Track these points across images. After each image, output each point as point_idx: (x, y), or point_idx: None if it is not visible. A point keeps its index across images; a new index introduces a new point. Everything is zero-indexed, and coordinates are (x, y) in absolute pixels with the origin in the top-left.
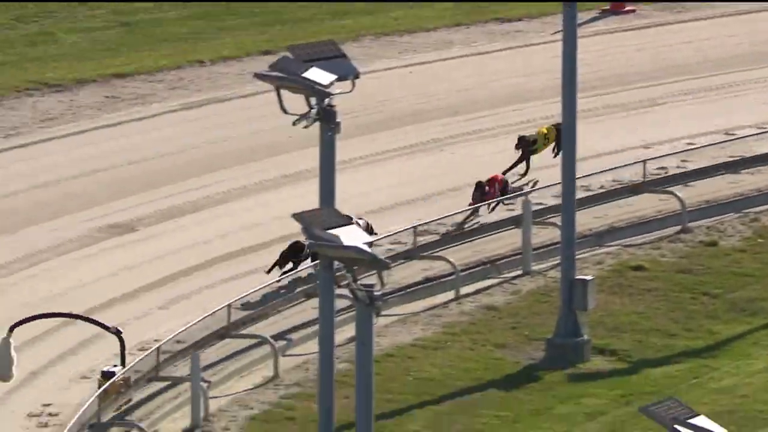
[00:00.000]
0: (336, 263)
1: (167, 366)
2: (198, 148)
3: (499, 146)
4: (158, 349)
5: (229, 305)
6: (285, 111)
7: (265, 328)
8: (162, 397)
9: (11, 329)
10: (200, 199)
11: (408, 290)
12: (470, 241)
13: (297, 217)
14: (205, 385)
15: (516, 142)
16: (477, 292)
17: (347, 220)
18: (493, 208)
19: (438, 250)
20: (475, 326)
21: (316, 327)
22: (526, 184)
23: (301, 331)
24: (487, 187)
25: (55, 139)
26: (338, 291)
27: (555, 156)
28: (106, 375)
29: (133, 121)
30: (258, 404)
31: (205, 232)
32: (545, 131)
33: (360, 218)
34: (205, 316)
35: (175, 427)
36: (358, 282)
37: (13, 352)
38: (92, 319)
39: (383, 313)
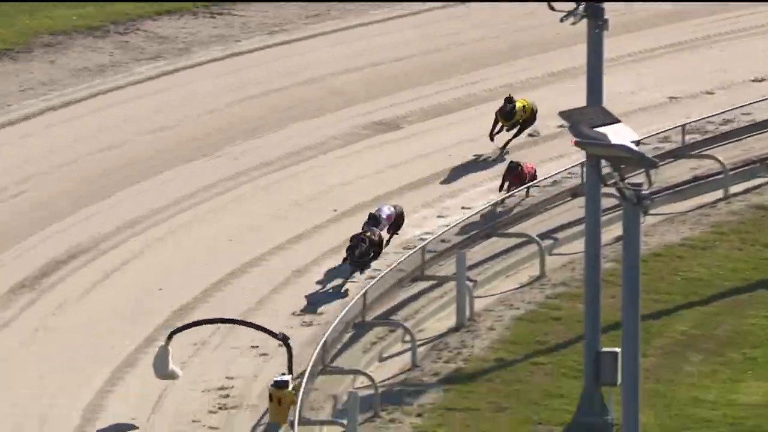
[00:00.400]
0: (603, 162)
1: (432, 265)
2: (463, 45)
3: None
4: (423, 248)
5: (495, 203)
6: (552, 8)
7: (532, 226)
8: (427, 297)
9: (170, 336)
10: (465, 96)
11: (676, 189)
12: (739, 139)
13: (564, 115)
14: (470, 284)
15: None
16: (746, 191)
17: (614, 119)
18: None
19: (707, 148)
20: (744, 226)
21: (582, 226)
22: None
23: (567, 230)
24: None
25: (321, 36)
26: (605, 190)
27: (512, 137)
28: (279, 385)
29: (397, 18)
30: (523, 304)
31: (471, 129)
32: (523, 105)
33: (393, 205)
34: (471, 215)
35: (440, 326)
36: (626, 181)
37: (170, 360)
38: (256, 325)
39: (651, 212)
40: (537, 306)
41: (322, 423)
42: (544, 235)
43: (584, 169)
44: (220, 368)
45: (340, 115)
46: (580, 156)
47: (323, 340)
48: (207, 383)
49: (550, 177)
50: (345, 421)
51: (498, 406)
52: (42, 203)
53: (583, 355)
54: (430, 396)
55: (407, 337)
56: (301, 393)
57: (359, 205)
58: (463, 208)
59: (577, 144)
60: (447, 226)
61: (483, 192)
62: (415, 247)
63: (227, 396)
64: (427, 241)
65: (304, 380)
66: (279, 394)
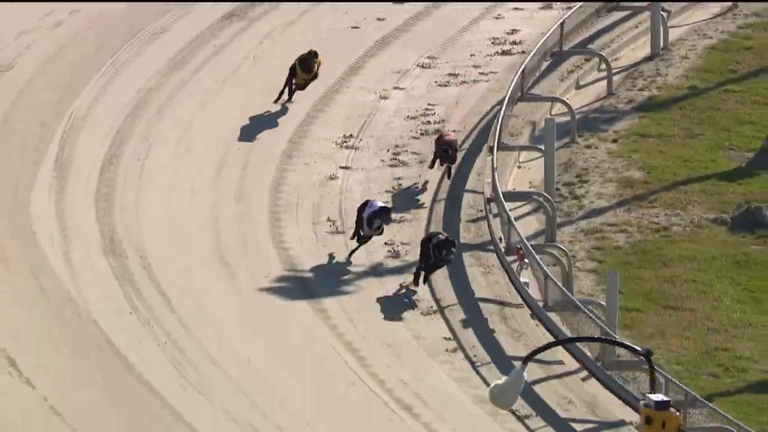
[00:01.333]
0: None
1: None
2: None
3: None
4: None
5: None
6: None
7: None
8: (622, 27)
9: (525, 361)
10: None
11: None
12: None
13: None
14: (664, 14)
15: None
16: None
17: None
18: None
19: None
20: None
21: None
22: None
23: None
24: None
25: None
26: None
27: (276, 100)
28: (661, 405)
29: None
30: (716, 33)
31: None
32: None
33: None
34: None
35: (634, 55)
36: None
37: (521, 387)
38: (620, 342)
39: None
40: (729, 35)
41: (521, 148)
42: None
43: None
44: (423, 97)
45: None
46: None
47: (521, 68)
48: (409, 110)
49: None
50: (542, 147)
51: (690, 132)
52: None
53: None
54: (625, 122)
55: (603, 66)
56: (500, 118)
57: None
58: None
59: None
60: None
61: None
62: None
63: (428, 123)
64: None
65: (503, 107)
66: (663, 416)
